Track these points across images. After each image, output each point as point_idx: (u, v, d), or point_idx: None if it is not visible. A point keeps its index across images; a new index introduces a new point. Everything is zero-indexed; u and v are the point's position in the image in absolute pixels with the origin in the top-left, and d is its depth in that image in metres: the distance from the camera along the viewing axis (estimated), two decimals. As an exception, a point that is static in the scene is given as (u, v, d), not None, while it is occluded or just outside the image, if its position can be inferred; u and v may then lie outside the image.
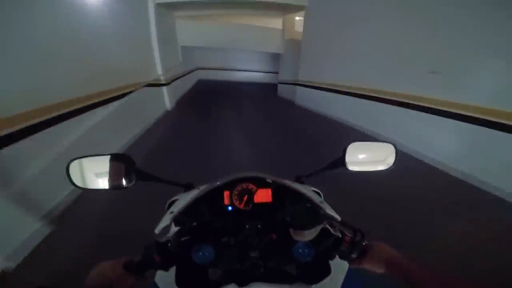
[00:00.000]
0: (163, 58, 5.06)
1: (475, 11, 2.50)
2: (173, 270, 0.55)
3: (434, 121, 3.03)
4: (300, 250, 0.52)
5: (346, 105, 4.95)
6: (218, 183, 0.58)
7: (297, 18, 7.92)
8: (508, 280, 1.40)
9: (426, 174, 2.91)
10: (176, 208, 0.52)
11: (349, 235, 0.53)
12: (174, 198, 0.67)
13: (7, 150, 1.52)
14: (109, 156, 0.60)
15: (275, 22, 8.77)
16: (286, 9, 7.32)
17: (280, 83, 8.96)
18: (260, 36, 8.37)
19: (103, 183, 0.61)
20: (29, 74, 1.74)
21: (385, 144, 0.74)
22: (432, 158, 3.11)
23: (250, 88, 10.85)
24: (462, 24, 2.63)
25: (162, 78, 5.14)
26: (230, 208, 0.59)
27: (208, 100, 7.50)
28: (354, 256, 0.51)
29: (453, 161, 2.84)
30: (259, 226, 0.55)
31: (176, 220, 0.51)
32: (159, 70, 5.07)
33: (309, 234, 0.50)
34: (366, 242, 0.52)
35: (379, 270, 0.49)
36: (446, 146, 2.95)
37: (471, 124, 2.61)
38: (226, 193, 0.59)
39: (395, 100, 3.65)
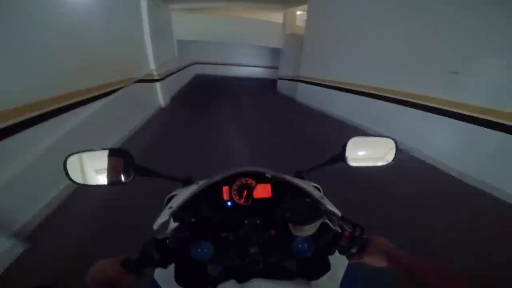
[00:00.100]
0: (156, 52, 4.85)
1: (475, 11, 2.52)
2: (172, 266, 0.55)
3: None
4: (299, 245, 0.52)
5: (353, 104, 4.64)
6: (217, 178, 0.57)
7: (298, 12, 7.81)
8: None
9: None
10: (175, 203, 0.52)
11: (348, 230, 0.53)
12: (173, 193, 0.66)
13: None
14: (107, 151, 0.59)
15: (275, 16, 8.65)
16: (288, 3, 7.21)
17: (280, 78, 8.82)
18: (260, 30, 8.24)
19: (101, 179, 0.60)
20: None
21: (385, 139, 0.73)
22: (442, 162, 2.90)
23: (249, 83, 10.70)
24: (466, 25, 2.61)
25: (155, 73, 4.94)
26: (229, 203, 0.58)
27: (205, 96, 7.37)
28: (353, 251, 0.51)
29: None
30: (258, 221, 0.55)
31: (175, 215, 0.51)
32: (152, 65, 4.85)
33: (309, 229, 0.50)
34: (366, 237, 0.52)
35: (378, 264, 0.49)
36: (446, 145, 2.92)
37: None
38: (225, 188, 0.58)
39: (409, 102, 3.31)
